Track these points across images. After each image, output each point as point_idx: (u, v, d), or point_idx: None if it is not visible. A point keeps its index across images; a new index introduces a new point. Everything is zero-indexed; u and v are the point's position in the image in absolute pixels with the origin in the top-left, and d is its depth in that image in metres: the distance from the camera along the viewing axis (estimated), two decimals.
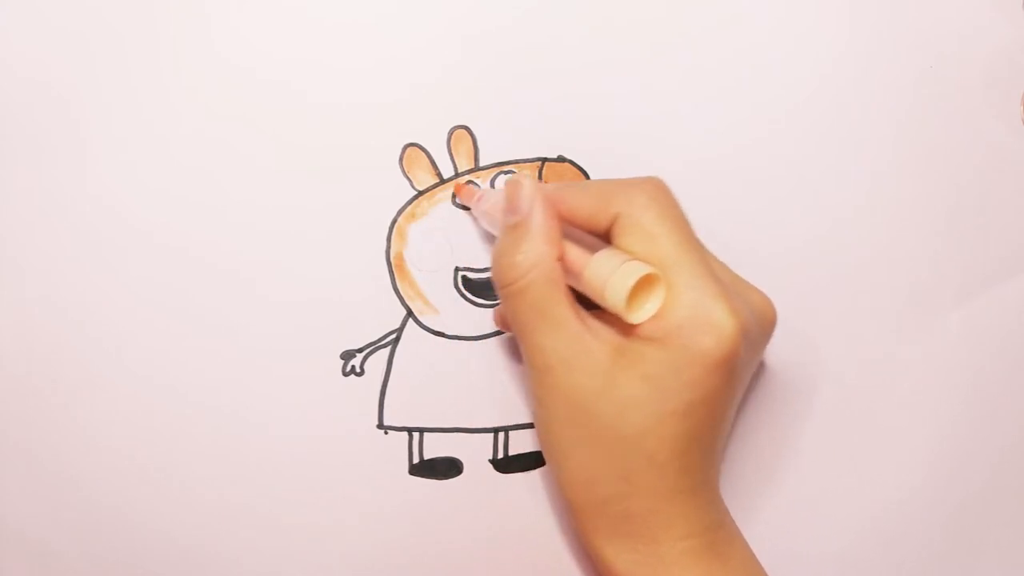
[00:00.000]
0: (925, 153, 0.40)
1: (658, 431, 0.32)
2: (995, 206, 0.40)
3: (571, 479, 0.34)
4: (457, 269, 0.39)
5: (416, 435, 0.39)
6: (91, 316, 0.38)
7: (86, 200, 0.38)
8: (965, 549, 0.40)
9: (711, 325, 0.31)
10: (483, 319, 0.39)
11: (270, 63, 0.38)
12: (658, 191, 0.33)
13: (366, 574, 0.39)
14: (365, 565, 0.39)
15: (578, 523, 0.35)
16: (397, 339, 0.39)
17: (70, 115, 0.38)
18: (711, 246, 0.35)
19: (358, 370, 0.38)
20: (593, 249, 0.33)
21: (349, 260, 0.38)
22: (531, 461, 0.39)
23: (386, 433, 0.39)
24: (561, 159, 0.39)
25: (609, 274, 0.32)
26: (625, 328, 0.32)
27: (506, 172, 0.39)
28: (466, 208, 0.39)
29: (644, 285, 0.32)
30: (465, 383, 0.39)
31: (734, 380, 0.33)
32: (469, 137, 0.39)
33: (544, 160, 0.39)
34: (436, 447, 0.39)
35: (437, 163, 0.39)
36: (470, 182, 0.39)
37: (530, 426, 0.39)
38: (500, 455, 0.39)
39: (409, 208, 0.39)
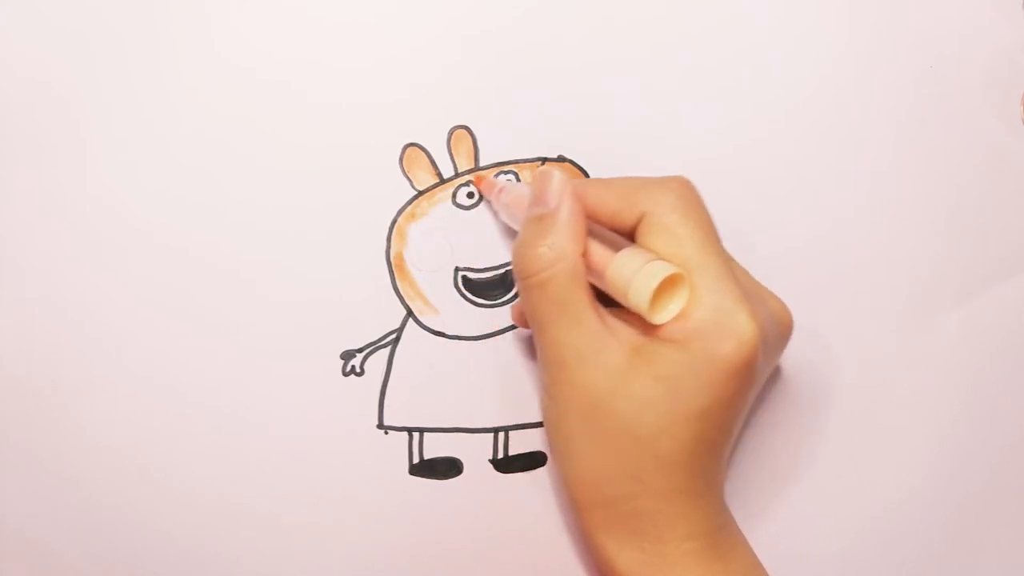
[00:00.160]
0: (925, 153, 0.40)
1: (672, 432, 0.32)
2: (995, 206, 0.40)
3: (579, 476, 0.34)
4: (457, 269, 0.39)
5: (416, 435, 0.39)
6: (91, 316, 0.38)
7: (86, 200, 0.38)
8: (965, 549, 0.40)
9: (732, 330, 0.31)
10: (483, 319, 0.39)
11: (270, 63, 0.38)
12: (686, 191, 0.33)
13: (366, 574, 0.39)
14: (365, 565, 0.39)
15: (582, 520, 0.34)
16: (397, 339, 0.39)
17: (70, 115, 0.38)
18: None
19: (358, 370, 0.38)
20: (614, 246, 0.33)
21: (349, 260, 0.38)
22: (531, 461, 0.39)
23: (386, 433, 0.39)
24: (561, 159, 0.39)
25: (633, 273, 0.32)
26: (645, 328, 0.32)
27: (506, 172, 0.39)
28: (466, 208, 0.39)
29: (667, 286, 0.32)
30: (465, 383, 0.39)
31: (750, 386, 0.33)
32: (469, 137, 0.39)
33: (544, 160, 0.39)
34: (436, 447, 0.39)
35: (437, 163, 0.39)
36: (499, 173, 0.38)
37: (530, 426, 0.39)
38: (500, 455, 0.39)
39: (409, 208, 0.39)
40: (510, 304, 0.39)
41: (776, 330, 0.34)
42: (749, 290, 0.33)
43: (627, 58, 0.39)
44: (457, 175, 0.39)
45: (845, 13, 0.40)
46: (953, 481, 0.40)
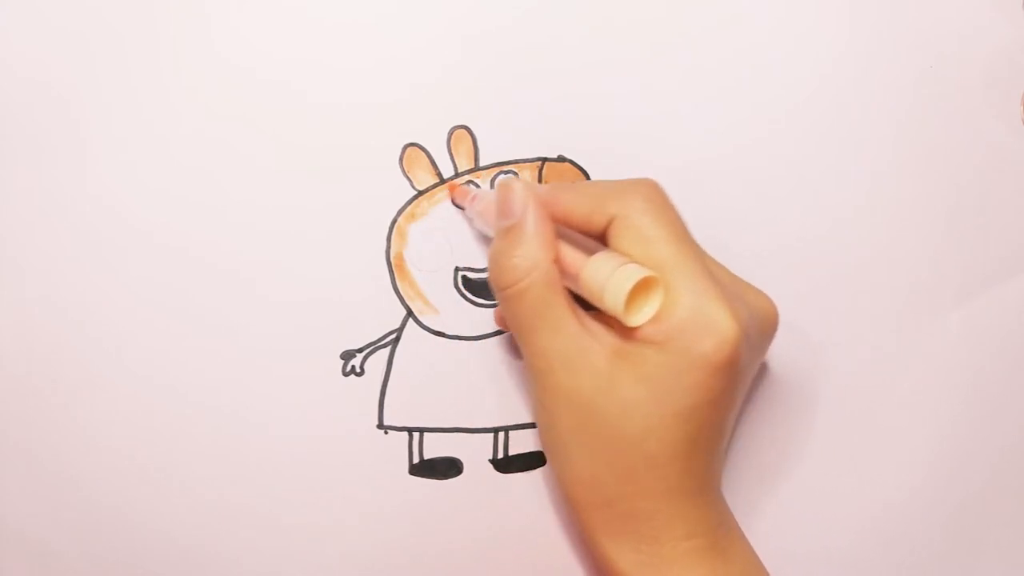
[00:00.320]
0: (925, 153, 0.40)
1: (659, 433, 0.32)
2: (995, 206, 0.40)
3: (574, 479, 0.34)
4: (457, 269, 0.39)
5: (416, 435, 0.39)
6: (91, 316, 0.38)
7: (86, 200, 0.38)
8: (965, 549, 0.40)
9: (711, 328, 0.31)
10: (483, 319, 0.39)
11: (270, 63, 0.38)
12: (654, 193, 0.33)
13: (366, 574, 0.39)
14: (365, 565, 0.39)
15: (581, 522, 0.35)
16: (397, 339, 0.39)
17: (70, 115, 0.38)
18: (711, 246, 0.35)
19: (358, 370, 0.38)
20: (589, 251, 0.33)
21: (349, 260, 0.38)
22: (531, 461, 0.39)
23: (386, 433, 0.39)
24: (561, 159, 0.39)
25: (606, 277, 0.32)
26: (624, 330, 0.32)
27: (506, 172, 0.39)
28: (461, 208, 0.39)
29: (642, 288, 0.32)
30: (465, 383, 0.39)
31: (735, 382, 0.33)
32: (469, 137, 0.39)
33: (544, 160, 0.39)
34: (436, 447, 0.39)
35: (437, 163, 0.39)
36: (469, 182, 0.39)
37: (530, 426, 0.39)
38: (500, 455, 0.39)
39: (409, 208, 0.39)
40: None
41: (758, 324, 0.34)
42: (727, 286, 0.33)
43: (627, 58, 0.39)
44: (457, 175, 0.39)
45: (845, 13, 0.40)
46: (953, 481, 0.40)
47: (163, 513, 0.38)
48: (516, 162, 0.39)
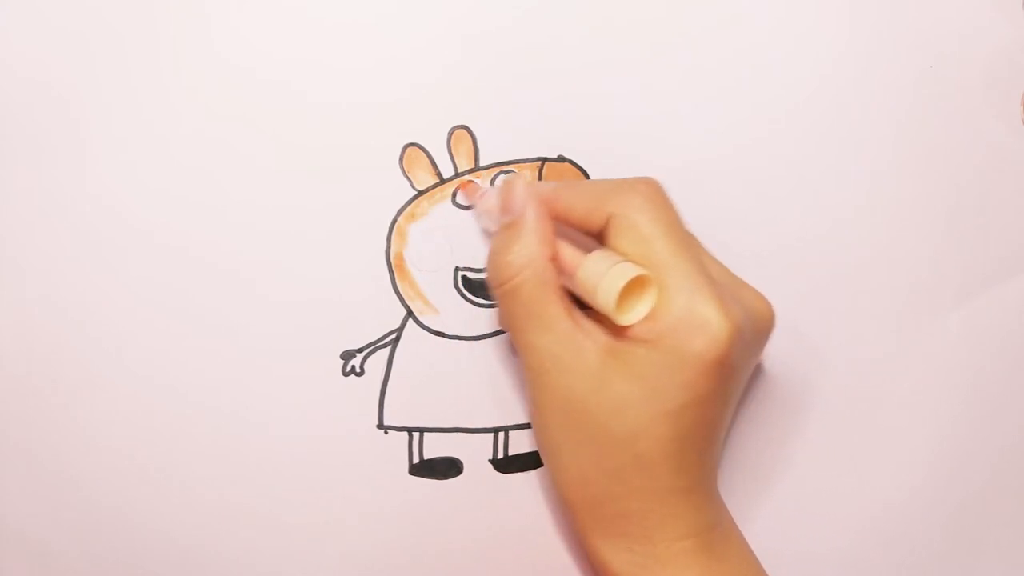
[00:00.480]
0: (925, 153, 0.40)
1: (650, 432, 0.32)
2: (995, 206, 0.40)
3: (567, 479, 0.34)
4: (457, 269, 0.39)
5: (416, 435, 0.39)
6: (91, 316, 0.38)
7: (86, 200, 0.38)
8: (965, 549, 0.40)
9: (703, 327, 0.31)
10: (483, 319, 0.39)
11: (270, 63, 0.38)
12: (653, 192, 0.33)
13: (366, 574, 0.39)
14: (365, 565, 0.39)
15: (575, 522, 0.35)
16: (397, 339, 0.39)
17: (70, 115, 0.38)
18: (711, 246, 0.35)
19: (358, 370, 0.38)
20: (588, 249, 0.33)
21: (349, 260, 0.38)
22: (531, 461, 0.39)
23: (386, 433, 0.39)
24: (561, 159, 0.39)
25: (600, 275, 0.32)
26: (618, 329, 0.32)
27: (506, 172, 0.39)
28: (466, 208, 0.39)
29: (636, 287, 0.32)
30: (465, 383, 0.39)
31: (728, 381, 0.33)
32: (469, 137, 0.39)
33: (544, 160, 0.39)
34: (436, 447, 0.39)
35: (437, 163, 0.39)
36: (472, 181, 0.39)
37: (530, 426, 0.39)
38: (500, 455, 0.39)
39: (409, 208, 0.39)
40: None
41: (753, 324, 0.34)
42: (723, 286, 0.33)
43: (627, 58, 0.39)
44: (457, 175, 0.39)
45: (845, 13, 0.40)
46: (953, 481, 0.40)
47: (163, 513, 0.38)
48: (516, 162, 0.39)
